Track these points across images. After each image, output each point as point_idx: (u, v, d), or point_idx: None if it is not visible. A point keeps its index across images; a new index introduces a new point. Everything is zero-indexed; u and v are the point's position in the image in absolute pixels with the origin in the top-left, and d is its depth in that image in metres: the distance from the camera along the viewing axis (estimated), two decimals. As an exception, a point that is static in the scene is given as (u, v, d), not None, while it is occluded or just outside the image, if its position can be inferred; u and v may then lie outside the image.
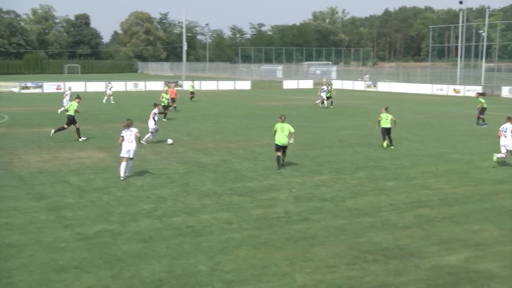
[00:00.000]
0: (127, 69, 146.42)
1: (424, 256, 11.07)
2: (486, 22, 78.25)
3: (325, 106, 46.04)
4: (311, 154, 22.86)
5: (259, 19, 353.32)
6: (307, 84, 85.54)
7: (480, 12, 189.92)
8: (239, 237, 12.20)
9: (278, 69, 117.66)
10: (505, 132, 20.70)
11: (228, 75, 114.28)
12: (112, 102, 49.32)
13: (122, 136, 17.94)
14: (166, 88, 40.66)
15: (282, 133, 19.62)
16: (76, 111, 26.37)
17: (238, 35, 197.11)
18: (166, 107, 35.70)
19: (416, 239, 12.11)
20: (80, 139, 26.09)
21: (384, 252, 11.29)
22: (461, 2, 76.22)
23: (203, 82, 76.65)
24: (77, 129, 26.42)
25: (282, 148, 19.88)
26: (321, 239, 12.09)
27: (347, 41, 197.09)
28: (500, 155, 20.71)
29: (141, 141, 21.86)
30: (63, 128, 26.48)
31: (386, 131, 24.69)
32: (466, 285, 9.73)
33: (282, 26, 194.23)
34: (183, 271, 10.25)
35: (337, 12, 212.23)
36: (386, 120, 24.68)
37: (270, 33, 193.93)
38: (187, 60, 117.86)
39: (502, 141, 20.72)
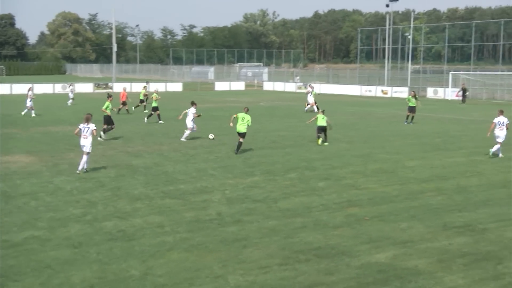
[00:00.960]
0: (54, 70, 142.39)
1: (354, 255, 11.31)
2: (412, 25, 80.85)
3: (306, 110, 43.50)
4: (243, 156, 22.95)
5: (190, 21, 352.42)
6: (239, 85, 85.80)
7: (405, 16, 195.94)
8: (171, 240, 12.11)
9: (210, 71, 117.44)
10: (502, 125, 23.14)
11: (159, 76, 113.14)
12: (69, 104, 48.17)
13: (80, 129, 18.74)
14: (144, 90, 44.04)
15: (243, 122, 23.03)
16: (112, 109, 28.90)
17: (169, 36, 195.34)
18: (140, 102, 41.13)
19: (347, 238, 12.37)
20: (100, 138, 26.75)
21: (316, 251, 11.47)
22: (387, 6, 78.32)
23: (134, 84, 75.54)
24: (106, 129, 27.55)
25: (241, 135, 23.09)
26: (253, 241, 12.16)
27: (278, 43, 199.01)
28: (495, 148, 22.85)
29: (181, 139, 26.22)
30: (111, 129, 27.98)
31: (322, 129, 26.29)
32: (394, 282, 10.01)
33: (214, 28, 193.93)
34: (114, 276, 10.08)
35: (267, 14, 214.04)
36: (322, 119, 26.36)
37: (202, 34, 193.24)
38: (117, 61, 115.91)
39: (498, 133, 23.05)
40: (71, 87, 52.06)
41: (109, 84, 74.61)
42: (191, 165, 20.73)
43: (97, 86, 73.63)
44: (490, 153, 22.99)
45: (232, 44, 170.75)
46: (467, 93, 57.46)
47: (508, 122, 23.59)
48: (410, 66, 77.84)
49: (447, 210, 14.76)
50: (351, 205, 15.23)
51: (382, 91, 70.53)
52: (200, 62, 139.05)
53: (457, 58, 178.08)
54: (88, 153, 18.91)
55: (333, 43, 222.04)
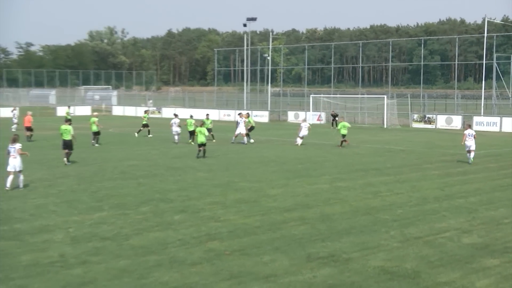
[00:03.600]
0: None
1: (214, 293, 11.28)
2: (270, 46, 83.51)
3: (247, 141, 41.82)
4: (90, 189, 22.26)
5: (26, 38, 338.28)
6: (85, 110, 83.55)
7: (264, 36, 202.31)
8: (5, 289, 11.39)
9: (51, 94, 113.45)
10: (471, 136, 30.91)
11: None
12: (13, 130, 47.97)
13: (8, 151, 21.83)
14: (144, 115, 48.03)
15: (201, 134, 32.59)
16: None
17: (2, 55, 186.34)
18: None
19: (206, 275, 12.34)
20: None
21: (173, 292, 11.30)
22: (245, 25, 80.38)
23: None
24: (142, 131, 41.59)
25: (202, 146, 32.36)
26: (102, 283, 11.76)
27: (128, 64, 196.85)
28: (468, 157, 30.80)
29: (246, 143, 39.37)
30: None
31: (191, 133, 34.53)
32: (258, 320, 10.08)
33: (55, 47, 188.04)
34: None
35: (116, 32, 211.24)
36: (190, 125, 37.64)
37: (41, 53, 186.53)
38: None
39: (468, 142, 30.79)
40: (14, 111, 54.23)
41: None
42: (29, 201, 19.74)
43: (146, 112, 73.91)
44: (471, 162, 30.61)
45: (76, 65, 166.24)
46: (337, 118, 60.31)
47: (474, 133, 31.49)
48: (270, 88, 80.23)
49: (311, 240, 15.23)
50: (210, 239, 15.24)
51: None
52: (39, 84, 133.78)
53: (318, 81, 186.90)
54: (20, 172, 21.97)
55: (189, 64, 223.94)
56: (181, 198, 20.55)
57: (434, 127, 59.69)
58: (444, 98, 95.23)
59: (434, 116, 61.34)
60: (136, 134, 46.67)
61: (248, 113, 48.16)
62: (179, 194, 21.26)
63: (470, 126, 33.80)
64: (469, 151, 31.30)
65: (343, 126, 41.14)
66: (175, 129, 43.08)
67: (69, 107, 64.97)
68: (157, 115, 79.49)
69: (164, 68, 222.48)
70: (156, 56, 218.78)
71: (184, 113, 74.59)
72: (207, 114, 45.58)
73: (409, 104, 65.37)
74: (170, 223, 16.86)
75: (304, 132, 41.50)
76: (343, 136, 40.79)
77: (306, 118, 52.41)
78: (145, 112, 50.17)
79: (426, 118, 61.48)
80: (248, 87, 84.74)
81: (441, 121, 59.92)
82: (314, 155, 34.78)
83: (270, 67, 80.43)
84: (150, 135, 45.95)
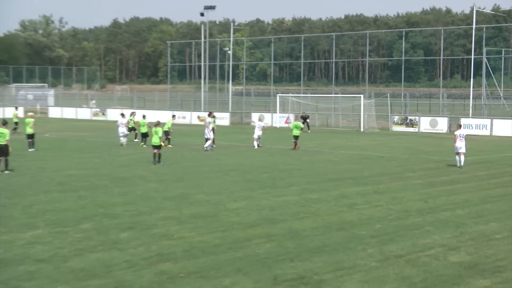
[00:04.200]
0: None
1: (167, 322, 11.21)
2: (231, 38, 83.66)
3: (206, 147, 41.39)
4: (22, 203, 21.98)
5: None
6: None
7: (225, 27, 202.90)
8: None
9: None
10: (462, 137, 32.32)
11: None
12: None
13: None
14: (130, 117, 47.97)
15: (156, 135, 33.29)
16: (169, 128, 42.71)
17: None
18: (132, 129, 46.49)
19: (157, 302, 12.25)
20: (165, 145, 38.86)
21: (118, 322, 11.20)
22: (202, 14, 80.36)
23: None
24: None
25: (157, 148, 33.31)
26: (36, 314, 11.59)
27: (67, 58, 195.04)
28: (457, 160, 32.22)
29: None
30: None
31: (143, 135, 38.93)
32: None
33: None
34: None
35: (52, 22, 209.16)
36: (143, 126, 41.14)
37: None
38: None
39: (458, 144, 32.11)
40: None
41: None
42: (-51, 218, 19.38)
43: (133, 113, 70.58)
44: (460, 166, 32.11)
45: (5, 59, 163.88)
46: (308, 120, 60.63)
47: (465, 134, 32.95)
48: (231, 87, 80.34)
49: (278, 260, 15.25)
50: (163, 260, 15.16)
51: (199, 117, 71.94)
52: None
53: (286, 78, 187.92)
54: None
55: (138, 59, 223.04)
56: (129, 213, 20.41)
57: (417, 130, 60.43)
58: (428, 97, 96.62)
59: (417, 118, 62.12)
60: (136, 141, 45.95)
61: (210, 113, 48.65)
62: (126, 209, 21.11)
63: (460, 126, 34.90)
64: (458, 153, 32.49)
65: (295, 126, 41.97)
66: (122, 130, 42.95)
67: (16, 108, 63.53)
68: (100, 118, 78.96)
69: (109, 64, 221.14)
70: (99, 49, 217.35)
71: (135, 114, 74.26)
72: (173, 116, 48.38)
73: (388, 105, 66.14)
74: (115, 242, 16.72)
75: (257, 132, 42.54)
76: (295, 137, 41.47)
77: (261, 118, 52.82)
78: (131, 114, 49.95)
79: (408, 121, 62.28)
80: (206, 85, 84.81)
81: (425, 123, 60.73)
82: (281, 162, 34.89)
83: (231, 63, 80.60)
84: (136, 140, 45.89)
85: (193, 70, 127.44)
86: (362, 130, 61.63)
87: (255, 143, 42.48)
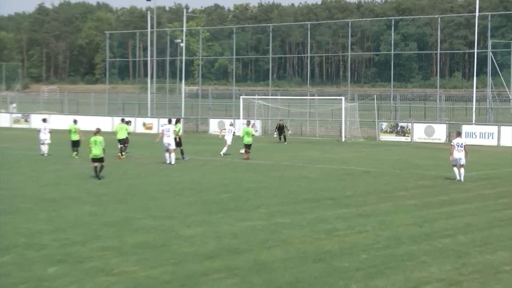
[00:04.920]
0: None
1: None
2: (184, 28, 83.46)
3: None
4: None
5: None
6: None
7: (176, 14, 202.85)
8: None
9: None
10: (461, 147, 33.11)
11: None
12: None
13: None
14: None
15: (96, 146, 33.79)
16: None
17: None
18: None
19: None
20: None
21: None
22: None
23: None
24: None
25: (98, 161, 33.92)
26: None
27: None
28: (462, 174, 33.27)
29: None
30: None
31: (74, 144, 42.44)
32: None
33: None
34: None
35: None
36: (74, 133, 42.97)
37: None
38: None
39: (457, 155, 33.03)
40: None
41: None
42: None
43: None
44: (460, 180, 33.42)
45: None
46: (289, 132, 60.64)
47: (465, 143, 33.88)
48: (184, 87, 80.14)
49: (242, 298, 15.23)
50: (100, 300, 15.05)
51: (145, 124, 71.67)
52: None
53: (251, 77, 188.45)
54: None
55: (69, 53, 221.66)
56: (58, 243, 20.22)
57: (409, 140, 60.96)
58: (423, 100, 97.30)
59: (410, 125, 62.63)
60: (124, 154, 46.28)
61: (178, 119, 50.12)
62: (54, 237, 20.91)
63: (459, 134, 36.06)
64: (456, 166, 33.73)
65: (246, 133, 42.75)
66: (43, 137, 42.83)
67: None
68: (23, 125, 78.27)
69: (34, 59, 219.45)
70: (21, 41, 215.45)
71: (63, 121, 73.69)
72: (129, 121, 49.44)
73: (375, 109, 66.58)
74: (42, 279, 16.56)
75: (229, 139, 46.53)
76: (247, 146, 42.32)
77: (233, 123, 54.08)
78: (127, 123, 50.36)
79: (398, 128, 62.78)
80: (154, 85, 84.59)
81: (419, 131, 61.27)
82: (246, 179, 34.88)
83: (184, 58, 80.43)
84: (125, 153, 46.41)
85: (138, 66, 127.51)
86: (343, 139, 61.96)
87: (224, 150, 46.07)
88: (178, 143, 43.07)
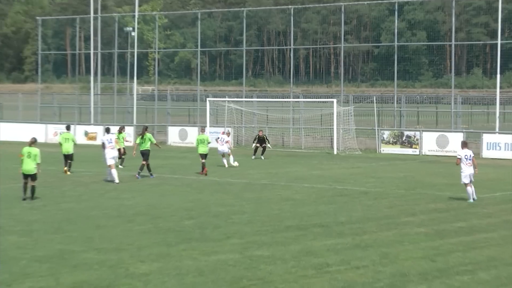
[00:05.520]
0: None
1: None
2: (136, 13, 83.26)
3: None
4: None
5: None
6: None
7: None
8: None
9: None
10: (469, 159, 34.14)
11: None
12: None
13: None
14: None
15: (29, 160, 34.09)
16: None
17: None
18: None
19: None
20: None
21: None
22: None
23: None
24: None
25: (30, 178, 34.29)
26: None
27: None
28: (472, 194, 34.27)
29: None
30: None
31: (68, 157, 43.56)
32: None
33: None
34: None
35: None
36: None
37: None
38: None
39: (467, 170, 34.08)
40: None
41: None
42: None
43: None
44: (472, 199, 34.37)
45: None
46: (269, 144, 60.30)
47: (473, 154, 35.03)
48: (136, 87, 79.88)
49: None
50: None
51: (87, 133, 71.33)
52: None
53: (220, 74, 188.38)
54: None
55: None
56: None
57: (417, 152, 61.05)
58: (434, 103, 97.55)
59: (418, 134, 62.66)
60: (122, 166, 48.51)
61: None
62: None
63: (466, 144, 36.31)
64: (467, 184, 34.69)
65: (201, 141, 43.73)
66: None
67: None
68: None
69: None
70: None
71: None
72: (122, 127, 51.78)
73: (375, 114, 66.63)
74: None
75: (223, 148, 49.17)
76: (203, 156, 43.10)
77: (228, 131, 56.18)
78: (121, 130, 52.11)
79: (404, 138, 62.89)
80: (98, 84, 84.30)
81: (430, 142, 61.29)
82: (214, 202, 34.84)
83: (136, 50, 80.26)
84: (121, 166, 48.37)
85: (78, 61, 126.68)
86: (335, 152, 62.01)
87: (232, 161, 49.32)
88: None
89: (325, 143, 66.32)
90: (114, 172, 41.22)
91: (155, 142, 45.72)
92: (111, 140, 42.21)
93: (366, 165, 53.25)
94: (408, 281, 20.64)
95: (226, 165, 49.26)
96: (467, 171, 33.92)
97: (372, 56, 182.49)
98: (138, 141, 44.63)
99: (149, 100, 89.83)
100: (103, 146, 42.27)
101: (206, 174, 44.29)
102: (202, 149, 44.81)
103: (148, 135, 44.55)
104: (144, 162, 43.46)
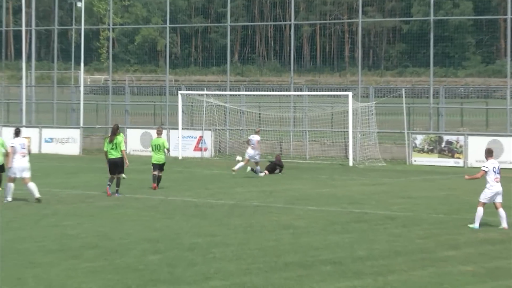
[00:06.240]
0: None
1: None
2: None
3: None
4: None
5: None
6: None
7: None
8: None
9: None
10: (498, 173, 35.05)
11: None
12: None
13: None
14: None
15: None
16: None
17: None
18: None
19: None
20: None
21: None
22: None
23: None
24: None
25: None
26: None
27: None
28: (478, 216, 35.09)
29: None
30: None
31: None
32: None
33: None
34: None
35: None
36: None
37: None
38: None
39: (495, 187, 35.09)
40: None
41: None
42: None
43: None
44: (476, 226, 35.23)
45: None
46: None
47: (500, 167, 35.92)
48: (82, 76, 79.97)
49: None
50: None
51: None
52: None
53: (196, 59, 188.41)
54: None
55: None
56: None
57: (461, 163, 61.17)
58: (484, 98, 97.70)
59: (462, 138, 62.71)
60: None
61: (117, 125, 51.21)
62: None
63: (492, 153, 36.74)
64: (495, 204, 35.91)
65: (157, 147, 46.41)
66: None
67: None
68: None
69: None
70: None
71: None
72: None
73: (404, 113, 66.76)
74: None
75: (251, 152, 51.64)
76: (156, 167, 44.47)
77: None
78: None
79: (443, 144, 62.98)
80: (33, 73, 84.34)
81: (478, 150, 61.08)
82: (189, 230, 34.85)
83: (83, 27, 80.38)
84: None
85: (6, 41, 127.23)
86: (351, 163, 62.12)
87: (259, 171, 51.89)
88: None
89: (337, 152, 66.48)
90: (31, 186, 41.13)
91: (123, 149, 45.38)
92: (24, 146, 42.14)
93: (392, 180, 53.35)
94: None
95: (235, 170, 50.85)
96: (495, 188, 34.52)
97: (400, 35, 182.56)
98: (106, 147, 44.36)
99: (101, 94, 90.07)
100: (13, 152, 42.12)
101: (155, 188, 45.28)
102: (157, 157, 45.49)
103: (119, 138, 44.49)
104: (114, 176, 43.67)
